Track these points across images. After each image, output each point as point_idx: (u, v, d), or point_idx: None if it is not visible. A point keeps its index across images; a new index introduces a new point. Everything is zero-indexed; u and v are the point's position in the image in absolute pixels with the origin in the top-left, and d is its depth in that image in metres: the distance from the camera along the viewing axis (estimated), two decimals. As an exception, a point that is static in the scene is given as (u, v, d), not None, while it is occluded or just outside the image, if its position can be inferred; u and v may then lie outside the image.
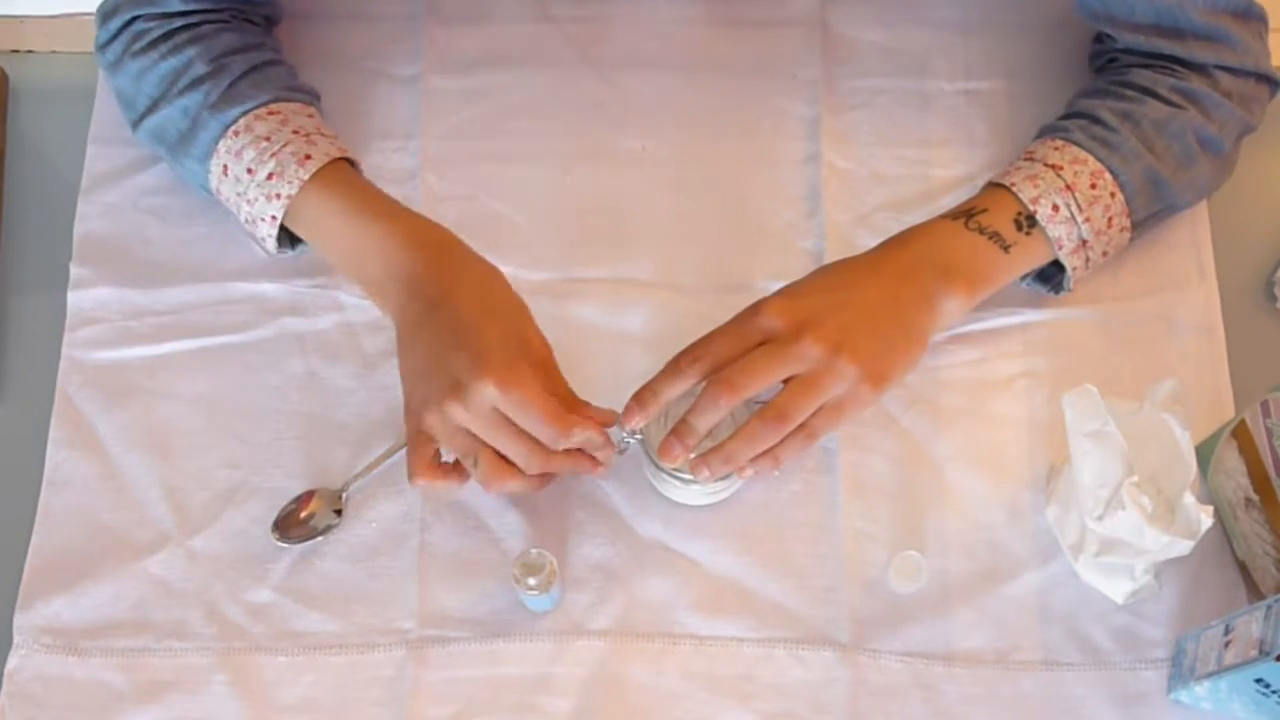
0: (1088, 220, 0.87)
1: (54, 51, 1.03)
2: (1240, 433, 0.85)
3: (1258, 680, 0.76)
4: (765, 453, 0.81)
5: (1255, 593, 0.86)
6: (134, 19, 0.89)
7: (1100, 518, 0.81)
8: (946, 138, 0.99)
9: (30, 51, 1.03)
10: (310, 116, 0.89)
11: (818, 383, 0.80)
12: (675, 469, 0.84)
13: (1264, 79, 0.91)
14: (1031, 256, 0.88)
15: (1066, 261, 0.88)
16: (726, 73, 1.00)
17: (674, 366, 0.82)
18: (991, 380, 0.92)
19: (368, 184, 0.88)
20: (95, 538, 0.88)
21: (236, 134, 0.86)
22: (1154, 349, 0.93)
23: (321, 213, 0.86)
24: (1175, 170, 0.89)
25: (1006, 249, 0.86)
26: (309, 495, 0.89)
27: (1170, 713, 0.84)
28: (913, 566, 0.86)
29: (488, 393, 0.77)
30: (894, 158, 0.98)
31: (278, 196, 0.85)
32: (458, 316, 0.80)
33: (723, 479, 0.84)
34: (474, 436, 0.79)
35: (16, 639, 0.85)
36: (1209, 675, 0.80)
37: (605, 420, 0.82)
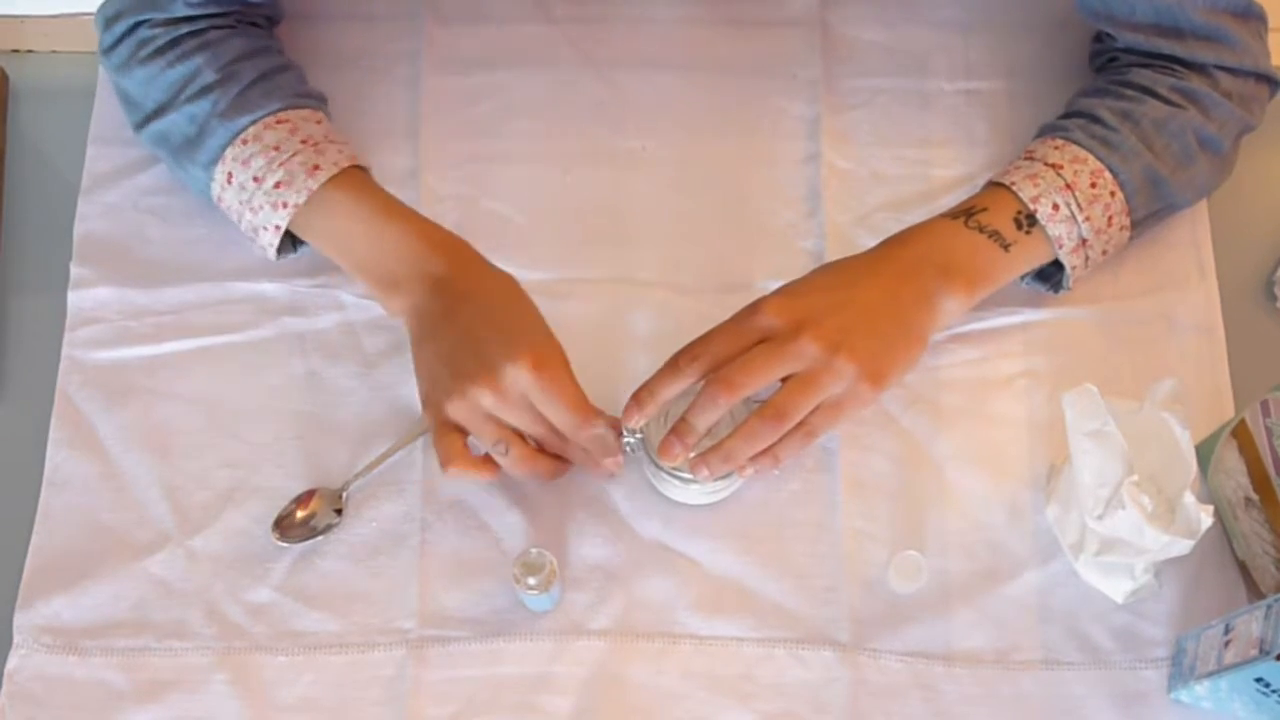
0: (1088, 219, 0.87)
1: (54, 51, 1.03)
2: (1240, 432, 0.85)
3: (1258, 679, 0.76)
4: (764, 451, 0.81)
5: (1255, 592, 0.86)
6: (138, 24, 0.89)
7: (1100, 517, 0.81)
8: (946, 138, 0.99)
9: (30, 51, 1.03)
10: (319, 123, 0.89)
11: (816, 381, 0.80)
12: (675, 468, 0.84)
13: (1263, 79, 0.91)
14: (1032, 255, 0.88)
15: (1066, 260, 0.88)
16: (726, 73, 1.00)
17: (672, 365, 0.82)
18: (991, 380, 0.92)
19: (379, 189, 0.88)
20: (95, 537, 0.88)
21: (245, 142, 0.87)
22: (1154, 348, 0.93)
23: (333, 219, 0.86)
24: (1175, 169, 0.89)
25: (1006, 248, 0.86)
26: (309, 495, 0.89)
27: (1170, 712, 0.84)
28: (913, 566, 0.86)
29: (521, 376, 0.78)
30: (894, 158, 0.98)
31: (284, 205, 0.86)
32: (485, 309, 0.82)
33: (722, 478, 0.84)
34: (501, 424, 0.81)
35: (16, 639, 0.85)
36: (1209, 674, 0.80)
37: (612, 426, 0.83)
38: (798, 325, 0.81)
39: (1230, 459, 0.86)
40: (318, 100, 0.92)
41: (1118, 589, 0.85)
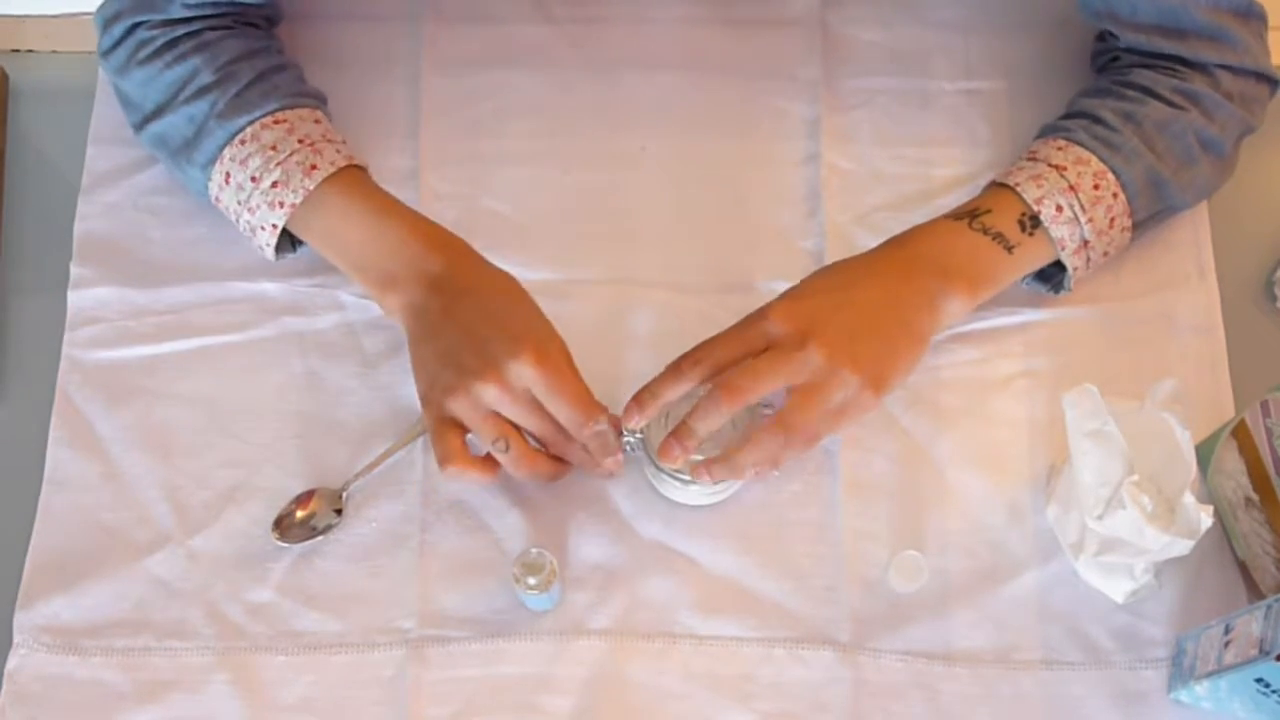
0: (1090, 221, 0.87)
1: (54, 51, 1.03)
2: (1240, 432, 0.85)
3: (1258, 680, 0.76)
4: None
5: (1255, 592, 0.86)
6: (136, 26, 0.89)
7: (1100, 517, 0.81)
8: (946, 138, 0.99)
9: (30, 51, 1.03)
10: (317, 123, 0.89)
11: (821, 391, 0.80)
12: (675, 470, 0.84)
13: (1264, 78, 0.91)
14: (1035, 257, 0.88)
15: (1068, 262, 0.88)
16: (726, 73, 1.00)
17: (675, 369, 0.82)
18: (991, 380, 0.92)
19: (376, 188, 0.88)
20: (95, 537, 0.88)
21: (243, 142, 0.87)
22: (1154, 349, 0.93)
23: (329, 219, 0.86)
24: (1176, 171, 0.89)
25: (1010, 249, 0.86)
26: (309, 495, 0.89)
27: (1170, 712, 0.84)
28: (913, 566, 0.86)
29: (525, 371, 0.79)
30: (894, 158, 0.98)
31: (281, 205, 0.86)
32: (485, 306, 0.82)
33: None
34: (502, 421, 0.81)
35: (17, 638, 0.85)
36: (1209, 675, 0.80)
37: (612, 425, 0.83)
38: (803, 334, 0.81)
39: (1230, 459, 0.86)
40: (316, 99, 0.92)
41: (1118, 589, 0.85)
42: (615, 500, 0.89)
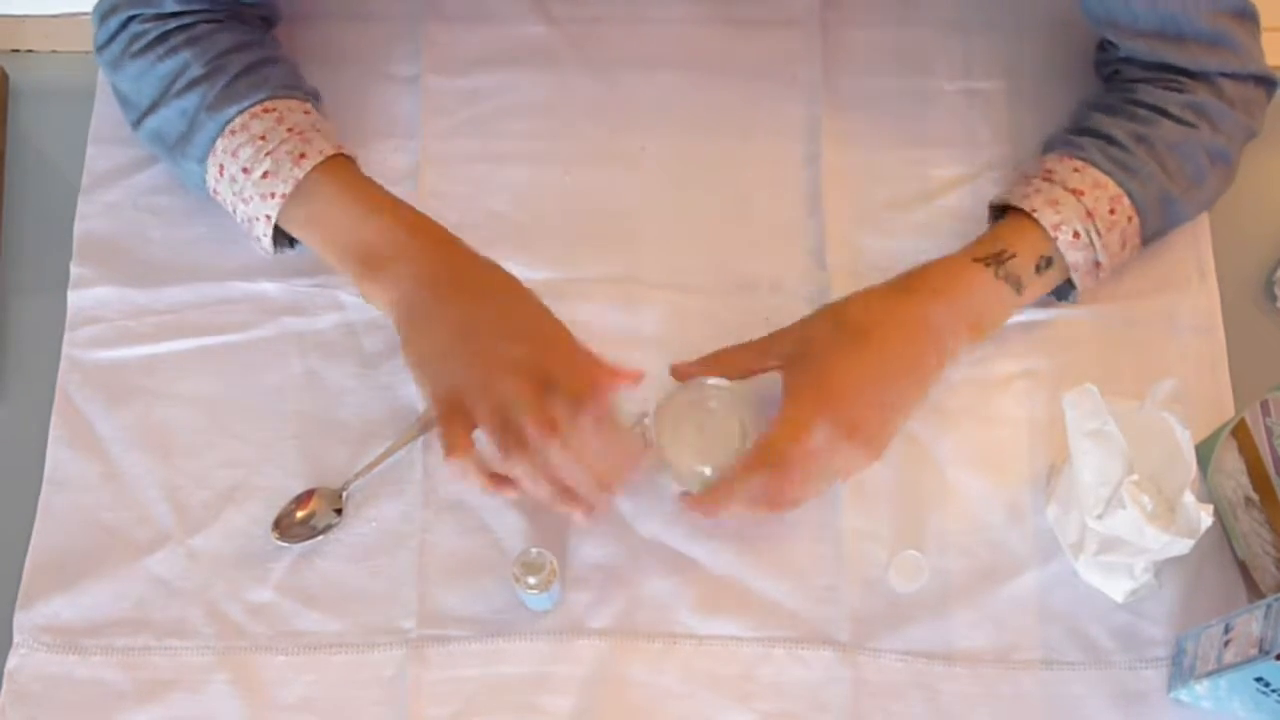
0: (1105, 246, 0.87)
1: (54, 51, 1.03)
2: (1240, 432, 0.85)
3: (1258, 679, 0.76)
4: None
5: (1255, 592, 0.86)
6: (130, 19, 0.89)
7: (1100, 517, 0.81)
8: (946, 138, 0.99)
9: (30, 51, 1.03)
10: (306, 113, 0.89)
11: (827, 465, 0.82)
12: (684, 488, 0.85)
13: (1262, 81, 0.92)
14: (1038, 294, 0.89)
15: (1079, 282, 0.89)
16: (726, 73, 1.00)
17: (721, 367, 0.86)
18: (991, 380, 0.92)
19: (366, 178, 0.88)
20: (95, 537, 0.88)
21: (233, 133, 0.86)
22: (1154, 349, 0.93)
23: (319, 207, 0.86)
24: (1186, 190, 0.89)
25: (1019, 291, 0.87)
26: (309, 495, 0.89)
27: (1170, 711, 0.84)
28: (913, 566, 0.86)
29: (526, 355, 0.79)
30: (894, 158, 0.98)
31: (272, 195, 0.85)
32: (481, 296, 0.82)
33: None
34: (509, 422, 0.79)
35: (17, 638, 0.85)
36: (1209, 674, 0.80)
37: (632, 376, 0.82)
38: (816, 404, 0.82)
39: (1230, 459, 0.86)
40: (307, 92, 0.91)
41: (1118, 589, 0.85)
42: (615, 500, 0.89)
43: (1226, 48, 0.89)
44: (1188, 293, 0.95)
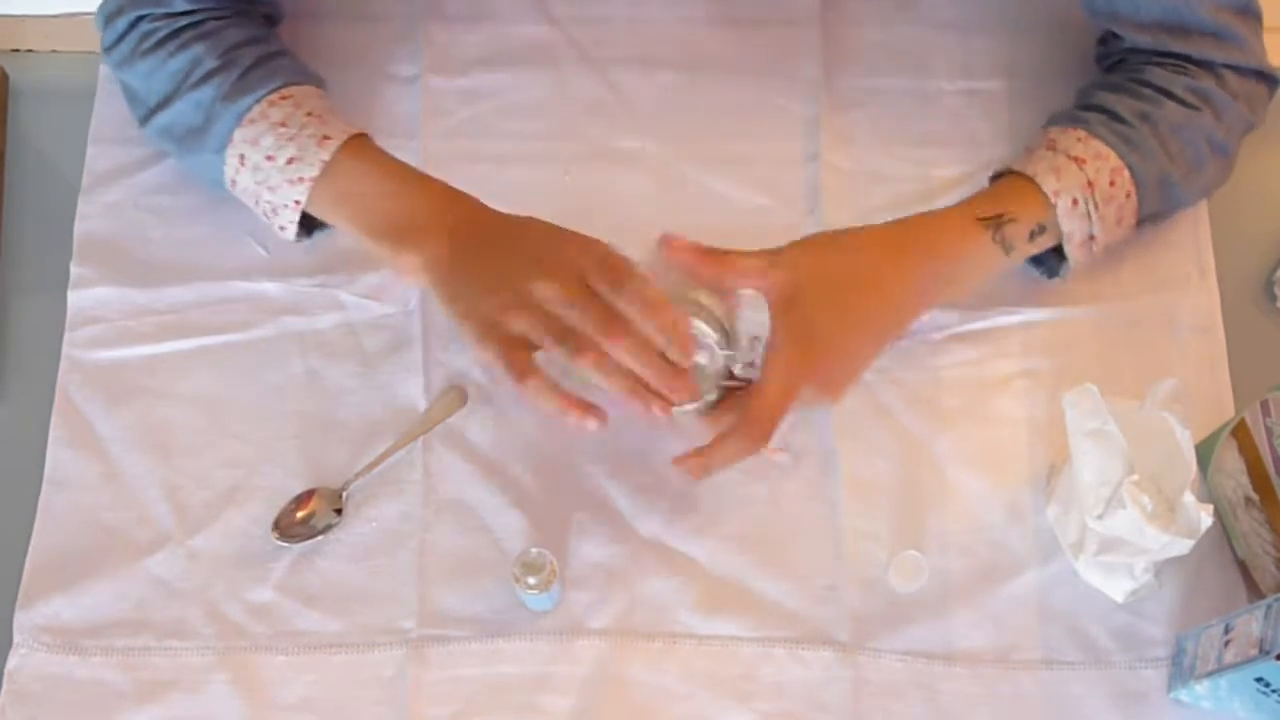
0: (1101, 218, 0.87)
1: (54, 51, 1.03)
2: (1240, 432, 0.85)
3: (1258, 679, 0.76)
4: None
5: (1255, 592, 0.86)
6: (139, 19, 0.89)
7: (1100, 516, 0.81)
8: (946, 138, 0.99)
9: (30, 51, 1.03)
10: (320, 98, 0.89)
11: (790, 399, 0.82)
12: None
13: (1264, 77, 0.92)
14: (1022, 258, 0.89)
15: (1072, 255, 0.88)
16: (726, 73, 1.00)
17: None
18: (991, 380, 0.92)
19: (388, 155, 0.88)
20: (96, 537, 0.88)
21: (252, 122, 0.86)
22: (1154, 348, 0.93)
23: (343, 185, 0.86)
24: (1186, 173, 0.89)
25: (1008, 253, 0.87)
26: (309, 495, 0.89)
27: (1170, 712, 0.84)
28: (913, 566, 0.86)
29: (573, 259, 0.80)
30: (894, 158, 0.98)
31: (300, 180, 0.85)
32: (515, 232, 0.83)
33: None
34: (562, 316, 0.80)
35: (17, 638, 0.85)
36: (1209, 674, 0.80)
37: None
38: (818, 392, 0.84)
39: (1230, 459, 0.86)
40: (317, 81, 0.92)
41: (1118, 589, 0.85)
42: (615, 500, 0.89)
43: (1229, 41, 0.89)
44: (1188, 292, 0.95)
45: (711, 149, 0.98)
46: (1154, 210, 0.90)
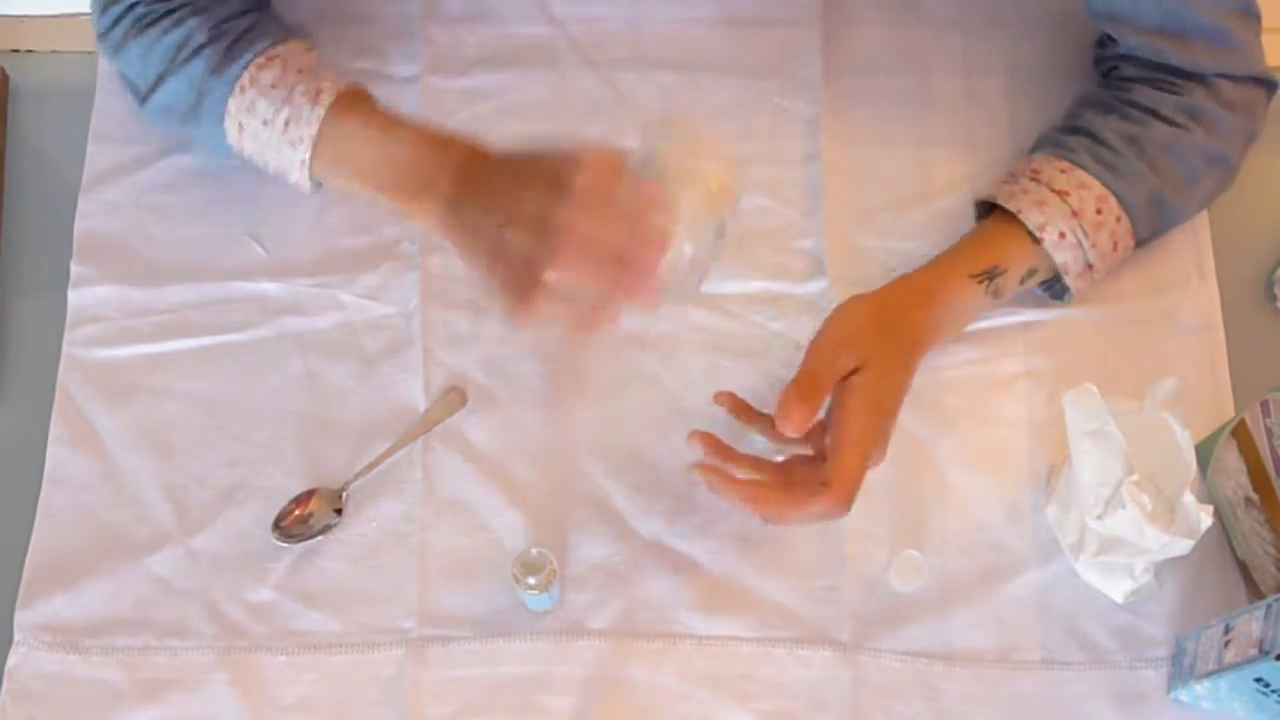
0: (1094, 246, 0.87)
1: (54, 51, 1.03)
2: (1240, 432, 0.85)
3: (1258, 679, 0.76)
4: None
5: (1255, 592, 0.86)
6: (134, 4, 0.88)
7: (1100, 517, 0.81)
8: (946, 138, 0.99)
9: (30, 51, 1.03)
10: (308, 52, 0.88)
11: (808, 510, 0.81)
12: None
13: (1262, 82, 0.91)
14: (1012, 295, 0.90)
15: (1072, 285, 0.88)
16: (726, 73, 1.00)
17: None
18: (992, 380, 0.92)
19: (383, 109, 0.86)
20: (96, 536, 0.88)
21: (243, 90, 0.85)
22: (1154, 349, 0.93)
23: (342, 142, 0.84)
24: (1179, 191, 0.89)
25: (999, 297, 0.88)
26: (309, 495, 0.89)
27: (1170, 712, 0.84)
28: (913, 566, 0.86)
29: (569, 170, 0.76)
30: (894, 157, 0.98)
31: (301, 141, 0.84)
32: (518, 160, 0.80)
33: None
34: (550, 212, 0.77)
35: (17, 637, 0.85)
36: (1209, 674, 0.80)
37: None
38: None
39: (1230, 459, 0.86)
40: (303, 35, 0.90)
41: (1118, 589, 0.85)
42: (615, 500, 0.89)
43: (1226, 47, 0.89)
44: (1187, 292, 0.95)
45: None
46: (1153, 230, 0.90)
